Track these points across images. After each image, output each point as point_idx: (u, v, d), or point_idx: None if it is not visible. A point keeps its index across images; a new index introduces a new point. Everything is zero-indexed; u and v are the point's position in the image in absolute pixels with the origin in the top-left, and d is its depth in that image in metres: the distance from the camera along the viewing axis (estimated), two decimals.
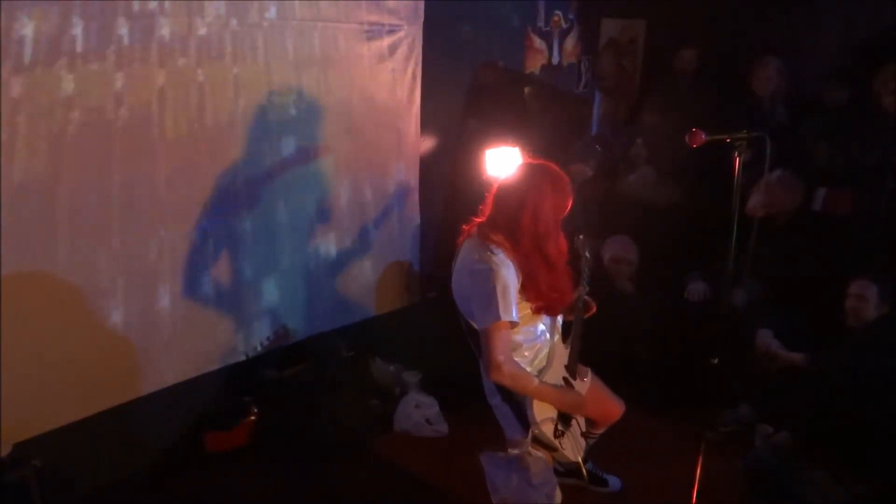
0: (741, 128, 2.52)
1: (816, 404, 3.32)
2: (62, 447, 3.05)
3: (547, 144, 4.03)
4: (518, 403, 2.47)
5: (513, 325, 2.33)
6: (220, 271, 3.57)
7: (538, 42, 5.10)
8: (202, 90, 3.30)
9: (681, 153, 3.18)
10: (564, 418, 2.56)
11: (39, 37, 2.75)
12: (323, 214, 3.99)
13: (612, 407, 2.87)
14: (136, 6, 3.01)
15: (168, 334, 3.40)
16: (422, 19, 4.20)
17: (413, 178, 4.44)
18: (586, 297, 2.69)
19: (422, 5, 4.18)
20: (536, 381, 2.41)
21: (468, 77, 4.64)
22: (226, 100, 3.40)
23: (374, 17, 3.94)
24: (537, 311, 2.45)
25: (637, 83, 5.60)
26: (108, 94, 2.99)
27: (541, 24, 5.08)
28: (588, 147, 4.88)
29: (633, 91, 5.54)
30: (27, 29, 2.72)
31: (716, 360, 2.68)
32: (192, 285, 3.45)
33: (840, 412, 3.21)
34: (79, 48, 2.87)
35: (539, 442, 2.50)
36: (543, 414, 2.46)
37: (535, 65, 5.12)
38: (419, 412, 3.83)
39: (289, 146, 3.72)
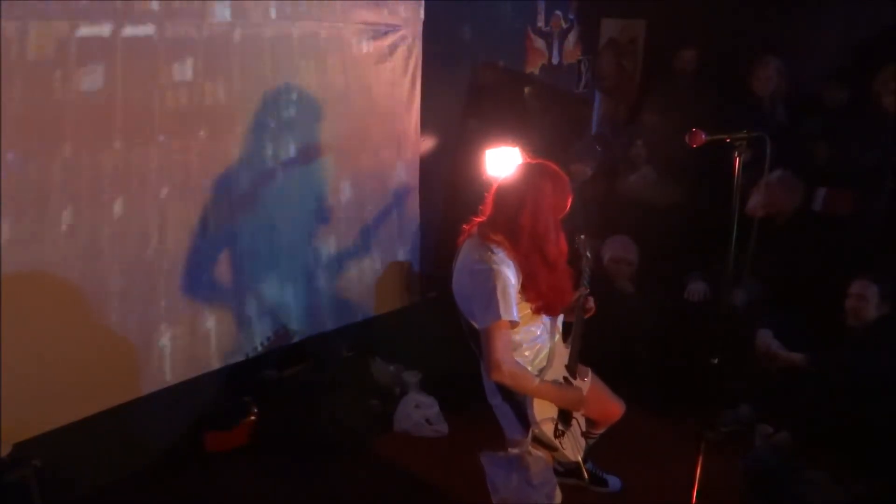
0: (741, 128, 2.52)
1: (816, 404, 3.32)
2: (62, 447, 3.05)
3: (547, 144, 4.02)
4: (518, 403, 2.47)
5: (513, 324, 2.33)
6: (220, 271, 3.57)
7: (538, 42, 5.10)
8: (202, 90, 3.30)
9: (681, 153, 3.18)
10: (565, 418, 2.56)
11: (40, 37, 2.75)
12: (323, 214, 3.99)
13: (613, 407, 2.87)
14: (137, 6, 3.01)
15: (168, 334, 3.40)
16: (422, 19, 4.21)
17: (413, 178, 4.44)
18: (587, 297, 2.69)
19: (422, 5, 4.18)
20: (537, 380, 2.41)
21: (468, 77, 4.64)
22: (226, 99, 3.40)
23: (374, 17, 3.94)
24: (537, 311, 2.45)
25: (637, 83, 5.59)
26: (109, 94, 2.99)
27: (541, 24, 5.08)
28: (588, 147, 4.88)
29: (633, 91, 5.54)
30: (27, 28, 2.71)
31: (716, 360, 2.68)
32: (192, 285, 3.45)
33: (840, 412, 3.21)
34: (79, 48, 2.86)
35: (539, 441, 2.50)
36: (544, 414, 2.46)
37: (535, 65, 5.12)
38: (419, 412, 3.82)
39: (289, 146, 3.72)
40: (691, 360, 3.42)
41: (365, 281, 4.31)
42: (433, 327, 3.87)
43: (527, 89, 4.97)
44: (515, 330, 2.39)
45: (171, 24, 3.12)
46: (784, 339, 3.54)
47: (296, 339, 3.99)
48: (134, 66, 3.04)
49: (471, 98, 4.66)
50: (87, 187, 3.01)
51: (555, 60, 5.25)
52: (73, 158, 2.94)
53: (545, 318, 2.55)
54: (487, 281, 2.30)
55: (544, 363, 2.53)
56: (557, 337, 2.62)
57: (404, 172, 4.38)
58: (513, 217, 2.36)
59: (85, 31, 2.86)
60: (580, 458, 2.66)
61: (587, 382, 2.68)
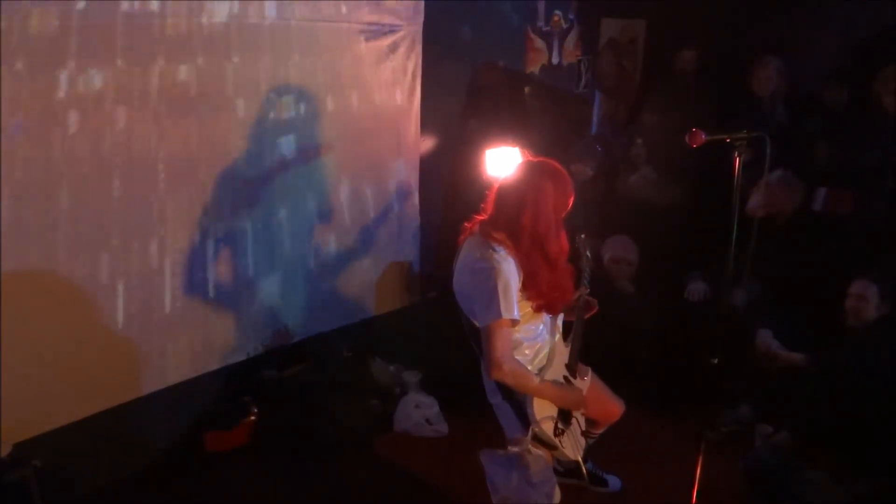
0: (741, 128, 2.52)
1: (816, 404, 3.32)
2: (62, 447, 3.05)
3: (547, 144, 4.02)
4: (519, 402, 2.47)
5: (514, 323, 2.33)
6: (221, 271, 3.57)
7: (538, 42, 5.10)
8: (202, 90, 3.30)
9: (681, 153, 3.18)
10: (565, 417, 2.56)
11: (40, 37, 2.75)
12: (323, 214, 3.99)
13: (613, 406, 2.87)
14: (136, 6, 3.01)
15: (168, 334, 3.41)
16: (422, 19, 4.21)
17: (413, 178, 4.44)
18: (587, 297, 2.69)
19: (422, 5, 4.18)
20: (537, 379, 2.42)
21: (468, 77, 4.64)
22: (226, 99, 3.40)
23: (374, 17, 3.94)
24: (538, 310, 2.45)
25: (637, 83, 5.59)
26: (109, 94, 2.99)
27: (541, 24, 5.08)
28: (588, 147, 4.88)
29: (633, 91, 5.53)
30: (27, 29, 2.71)
31: (716, 360, 2.68)
32: (192, 285, 3.45)
33: (840, 412, 3.21)
34: (79, 48, 2.86)
35: (539, 440, 2.50)
36: (544, 412, 2.47)
37: (535, 65, 5.12)
38: (419, 412, 3.82)
39: (289, 146, 3.73)
40: (691, 360, 3.41)
41: (365, 281, 4.31)
42: (433, 327, 3.88)
43: (527, 89, 4.97)
44: (516, 328, 2.39)
45: (170, 22, 3.12)
46: (784, 339, 3.53)
47: (296, 339, 3.99)
48: (134, 66, 3.04)
49: (471, 98, 4.66)
50: (87, 187, 3.01)
51: (555, 60, 5.25)
52: (73, 158, 2.94)
53: (546, 317, 2.55)
54: (489, 279, 2.31)
55: (544, 362, 2.53)
56: (558, 336, 2.63)
57: (404, 172, 4.38)
58: (514, 216, 2.36)
59: (80, 29, 2.86)
60: (580, 458, 2.66)
61: (587, 381, 2.68)
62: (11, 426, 2.85)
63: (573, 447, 2.60)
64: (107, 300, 3.17)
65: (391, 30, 4.06)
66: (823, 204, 4.09)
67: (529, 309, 2.42)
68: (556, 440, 2.52)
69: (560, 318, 2.66)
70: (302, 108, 3.73)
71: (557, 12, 5.16)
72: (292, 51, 3.62)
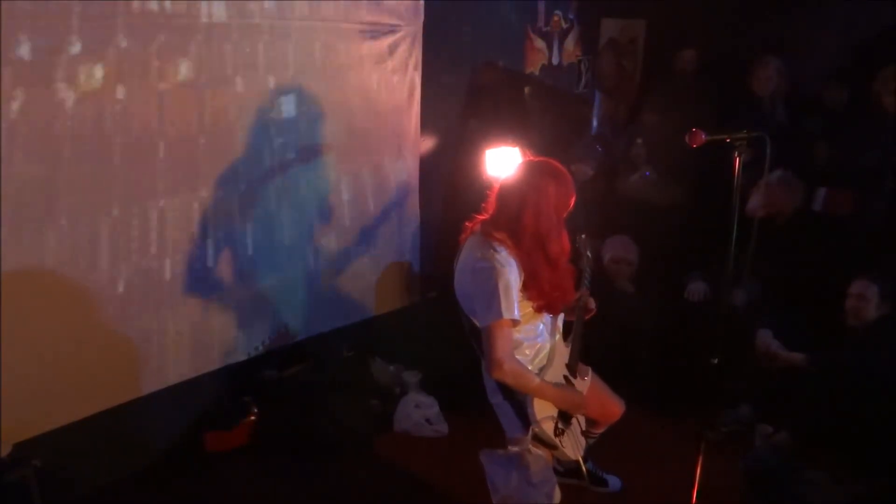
0: (741, 128, 2.52)
1: (816, 404, 3.32)
2: (62, 447, 3.05)
3: (547, 144, 4.03)
4: (519, 402, 2.47)
5: (514, 323, 2.33)
6: (221, 271, 3.57)
7: (538, 42, 5.10)
8: (202, 90, 3.30)
9: (681, 153, 3.18)
10: (565, 417, 2.56)
11: (39, 37, 2.75)
12: (323, 214, 3.99)
13: (613, 406, 2.87)
14: (136, 6, 3.00)
15: (168, 334, 3.40)
16: (422, 19, 4.21)
17: (413, 178, 4.44)
18: (587, 298, 2.69)
19: (422, 5, 4.18)
20: (538, 379, 2.42)
21: (468, 77, 4.64)
22: (226, 100, 3.40)
23: (373, 17, 3.94)
24: (539, 310, 2.45)
25: (637, 83, 5.60)
26: (108, 95, 2.99)
27: (541, 24, 5.08)
28: (588, 147, 4.88)
29: (633, 91, 5.54)
30: (27, 29, 2.71)
31: (716, 360, 2.68)
32: (192, 285, 3.45)
33: (840, 412, 3.21)
34: (78, 48, 2.86)
35: (539, 440, 2.50)
36: (544, 412, 2.47)
37: (535, 65, 5.12)
38: (419, 412, 3.82)
39: (289, 146, 3.72)
40: (691, 360, 3.41)
41: (365, 281, 4.31)
42: (433, 327, 3.88)
43: (527, 89, 4.97)
44: (517, 328, 2.39)
45: (170, 22, 3.12)
46: (784, 339, 3.53)
47: (296, 339, 3.99)
48: (134, 66, 3.04)
49: (471, 98, 4.66)
50: (87, 187, 3.01)
51: (555, 60, 5.25)
52: (73, 158, 2.94)
53: (546, 317, 2.55)
54: (489, 279, 2.31)
55: (545, 362, 2.53)
56: (558, 336, 2.63)
57: (404, 172, 4.38)
58: (515, 215, 2.36)
59: (79, 29, 2.86)
60: (580, 457, 2.66)
61: (587, 381, 2.68)
62: (11, 426, 2.85)
63: (573, 447, 2.60)
64: (107, 300, 3.16)
65: (391, 30, 4.06)
66: (823, 204, 4.09)
67: (530, 309, 2.42)
68: (557, 440, 2.52)
69: (560, 318, 2.66)
70: (302, 108, 3.73)
71: (557, 12, 5.17)
72: (292, 51, 3.61)
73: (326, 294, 4.10)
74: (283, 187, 3.74)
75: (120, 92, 3.01)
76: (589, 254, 2.75)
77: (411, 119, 4.33)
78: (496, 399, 2.55)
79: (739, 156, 2.51)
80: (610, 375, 2.87)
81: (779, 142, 2.64)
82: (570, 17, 5.29)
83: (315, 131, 3.84)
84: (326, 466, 3.50)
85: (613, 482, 3.33)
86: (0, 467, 2.79)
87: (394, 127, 4.24)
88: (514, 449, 2.50)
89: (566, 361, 2.60)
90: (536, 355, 2.52)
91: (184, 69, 3.21)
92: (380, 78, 4.08)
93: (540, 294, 2.40)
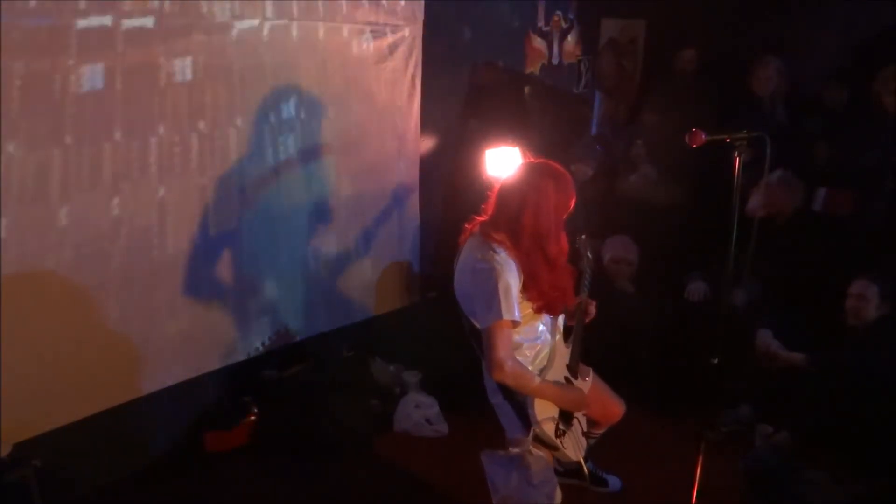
0: (741, 128, 2.52)
1: (816, 404, 3.32)
2: (62, 447, 3.05)
3: (547, 144, 4.03)
4: (520, 402, 2.47)
5: (515, 324, 2.33)
6: (221, 271, 3.57)
7: (538, 42, 5.10)
8: (202, 90, 3.30)
9: (681, 153, 3.18)
10: (566, 417, 2.56)
11: (39, 33, 2.75)
12: (323, 214, 3.98)
13: (614, 407, 2.87)
14: (136, 5, 3.00)
15: (168, 334, 3.40)
16: (422, 19, 4.21)
17: (413, 178, 4.44)
18: (588, 302, 2.69)
19: (422, 5, 4.18)
20: (538, 379, 2.41)
21: (468, 77, 4.64)
22: (226, 100, 3.40)
23: (374, 17, 3.94)
24: (538, 310, 2.45)
25: (637, 83, 5.60)
26: (108, 95, 2.99)
27: (541, 24, 5.08)
28: (588, 147, 4.88)
29: (633, 91, 5.54)
30: (27, 25, 2.71)
31: (716, 360, 2.68)
32: (192, 285, 3.44)
33: (840, 412, 3.21)
34: (78, 47, 2.86)
35: (540, 441, 2.50)
36: (545, 413, 2.46)
37: (534, 65, 5.12)
38: (419, 412, 3.82)
39: (289, 146, 3.72)
40: (691, 360, 3.42)
41: (365, 281, 4.31)
42: (433, 327, 3.88)
43: (527, 89, 4.97)
44: (517, 329, 2.39)
45: (171, 22, 3.12)
46: (784, 339, 3.53)
47: (296, 339, 3.99)
48: (134, 65, 3.04)
49: (471, 98, 4.66)
50: (87, 187, 3.01)
51: (555, 60, 5.25)
52: (73, 158, 2.93)
53: (546, 318, 2.55)
54: (489, 280, 2.30)
55: (545, 363, 2.53)
56: (558, 336, 2.62)
57: (404, 172, 4.38)
58: (515, 216, 2.36)
59: (84, 25, 2.86)
60: (581, 458, 2.66)
61: (588, 382, 2.68)
62: (11, 426, 2.85)
63: (574, 448, 2.60)
64: (107, 300, 3.16)
65: (391, 30, 4.06)
66: (823, 204, 4.09)
67: (530, 310, 2.42)
68: (558, 441, 2.52)
69: (561, 319, 2.66)
70: (302, 108, 3.73)
71: (557, 12, 5.17)
72: (292, 51, 3.62)
73: (326, 294, 4.10)
74: (283, 187, 3.73)
75: (119, 87, 3.01)
76: (589, 254, 2.75)
77: (411, 119, 4.33)
78: (496, 399, 2.55)
79: (739, 156, 2.51)
80: (610, 375, 2.87)
81: (779, 142, 2.64)
82: (570, 16, 5.29)
83: (315, 131, 3.83)
84: (326, 466, 3.50)
85: (613, 482, 3.33)
86: (0, 467, 2.79)
87: (394, 127, 4.24)
88: (514, 450, 2.50)
89: (567, 362, 2.60)
90: (536, 356, 2.52)
91: (183, 68, 3.21)
92: (380, 78, 4.08)
93: (539, 295, 2.40)
